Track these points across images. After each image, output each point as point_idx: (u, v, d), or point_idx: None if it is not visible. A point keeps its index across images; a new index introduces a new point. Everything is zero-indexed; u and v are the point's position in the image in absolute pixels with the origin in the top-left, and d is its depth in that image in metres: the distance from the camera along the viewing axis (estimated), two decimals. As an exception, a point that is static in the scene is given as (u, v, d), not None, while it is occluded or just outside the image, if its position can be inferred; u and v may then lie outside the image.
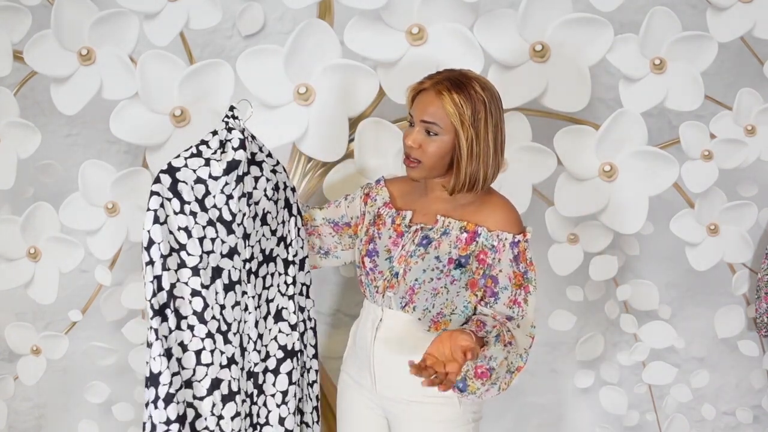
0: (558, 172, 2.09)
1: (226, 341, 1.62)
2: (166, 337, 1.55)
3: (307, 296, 1.81)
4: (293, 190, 1.77)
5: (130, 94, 1.97)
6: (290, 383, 1.76)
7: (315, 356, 1.84)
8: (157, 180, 1.54)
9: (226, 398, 1.62)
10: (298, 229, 1.77)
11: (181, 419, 1.56)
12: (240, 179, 1.59)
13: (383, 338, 1.70)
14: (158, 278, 1.53)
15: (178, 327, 1.58)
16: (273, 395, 1.73)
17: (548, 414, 2.64)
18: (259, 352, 1.68)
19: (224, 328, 1.62)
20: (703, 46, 2.02)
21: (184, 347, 1.59)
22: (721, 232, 2.20)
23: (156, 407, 1.54)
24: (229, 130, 1.60)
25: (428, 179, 1.67)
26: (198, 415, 1.62)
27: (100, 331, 2.33)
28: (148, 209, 1.53)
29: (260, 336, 1.69)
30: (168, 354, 1.55)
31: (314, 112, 2.00)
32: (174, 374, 1.55)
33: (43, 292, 2.10)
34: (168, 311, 1.54)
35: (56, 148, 2.35)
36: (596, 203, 2.07)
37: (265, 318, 1.72)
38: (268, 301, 1.72)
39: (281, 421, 1.74)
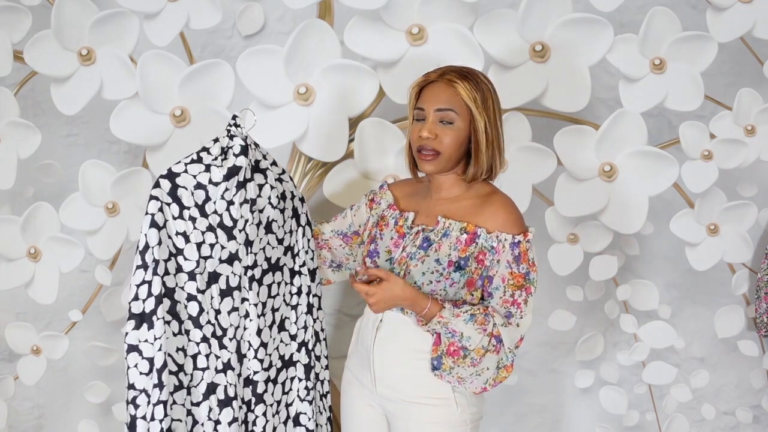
0: (558, 172, 2.09)
1: (221, 346, 1.62)
2: (151, 344, 1.52)
3: (319, 307, 1.81)
4: (302, 200, 1.76)
5: (130, 94, 1.97)
6: (283, 393, 1.76)
7: (327, 367, 1.84)
8: (157, 185, 1.54)
9: (223, 403, 1.61)
10: (308, 239, 1.77)
11: None
12: (241, 185, 1.59)
13: (383, 339, 1.70)
14: (148, 283, 1.52)
15: (180, 332, 1.58)
16: (271, 405, 1.73)
17: (548, 414, 2.64)
18: (261, 361, 1.67)
19: (219, 332, 1.61)
20: (703, 46, 2.02)
21: (184, 352, 1.59)
22: (721, 232, 2.20)
23: (144, 419, 1.53)
24: (231, 137, 1.60)
25: (441, 173, 1.67)
26: (195, 422, 1.61)
27: (100, 331, 2.33)
28: (146, 213, 1.52)
29: (264, 345, 1.68)
30: (151, 362, 1.53)
31: (314, 112, 2.00)
32: (156, 385, 1.52)
33: (43, 292, 2.10)
34: (154, 318, 1.52)
35: (56, 148, 2.35)
36: (596, 203, 2.07)
37: (270, 327, 1.71)
38: (273, 311, 1.72)
39: (274, 431, 1.74)
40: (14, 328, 2.18)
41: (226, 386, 1.62)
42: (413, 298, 1.59)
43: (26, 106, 2.30)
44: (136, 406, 1.52)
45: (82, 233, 2.06)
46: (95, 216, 2.04)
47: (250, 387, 1.68)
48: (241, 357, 1.65)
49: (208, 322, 1.60)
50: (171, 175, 1.55)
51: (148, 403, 1.53)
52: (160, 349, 1.52)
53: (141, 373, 1.52)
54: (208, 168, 1.57)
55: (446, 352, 1.60)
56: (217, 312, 1.61)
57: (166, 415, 1.52)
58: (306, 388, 1.77)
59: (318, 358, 1.80)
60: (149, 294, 1.52)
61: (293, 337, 1.76)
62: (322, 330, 1.81)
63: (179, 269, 1.57)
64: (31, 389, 2.45)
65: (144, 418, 1.52)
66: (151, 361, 1.52)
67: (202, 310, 1.59)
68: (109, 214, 2.04)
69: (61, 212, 2.05)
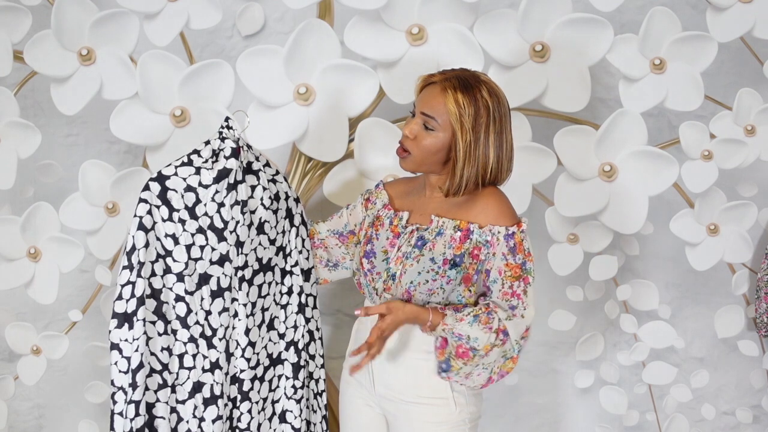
0: (558, 172, 2.09)
1: (210, 346, 1.63)
2: (130, 344, 1.55)
3: (315, 307, 1.81)
4: (296, 200, 1.77)
5: (130, 94, 1.97)
6: (270, 390, 1.76)
7: (323, 366, 1.84)
8: (146, 187, 1.55)
9: (208, 401, 1.63)
10: (302, 240, 1.77)
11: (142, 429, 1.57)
12: (232, 187, 1.59)
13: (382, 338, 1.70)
14: (132, 284, 1.54)
15: (165, 332, 1.59)
16: (257, 402, 1.73)
17: (548, 414, 2.64)
18: (248, 359, 1.68)
19: (209, 333, 1.62)
20: (703, 46, 2.02)
21: (169, 351, 1.60)
22: (721, 232, 2.20)
23: (121, 416, 1.56)
24: (222, 139, 1.61)
25: (417, 172, 1.68)
26: (180, 419, 1.63)
27: (100, 331, 2.33)
28: (135, 215, 1.54)
29: (252, 344, 1.69)
30: (128, 361, 1.55)
31: (314, 112, 2.00)
32: (131, 384, 1.55)
33: (43, 292, 2.10)
34: (134, 319, 1.54)
35: (56, 148, 2.35)
36: (596, 203, 2.07)
37: (260, 326, 1.72)
38: (263, 310, 1.72)
39: (258, 427, 1.74)
40: (14, 328, 2.18)
41: (212, 385, 1.64)
42: (415, 316, 1.60)
43: (26, 106, 2.30)
44: (115, 402, 1.57)
45: (82, 233, 2.06)
46: (95, 216, 2.04)
47: (237, 384, 1.69)
48: (228, 356, 1.66)
49: (197, 322, 1.61)
50: (161, 178, 1.57)
51: (125, 400, 1.56)
52: (137, 350, 1.55)
53: (120, 371, 1.56)
54: (198, 171, 1.58)
55: (455, 354, 1.60)
56: (208, 313, 1.62)
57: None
58: (293, 386, 1.78)
59: (312, 357, 1.80)
60: (132, 295, 1.55)
61: (282, 336, 1.77)
62: (318, 329, 1.81)
63: (167, 270, 1.59)
64: (31, 389, 2.45)
65: (121, 414, 1.57)
66: (128, 360, 1.56)
67: (190, 311, 1.60)
68: (109, 214, 2.04)
69: (61, 212, 2.05)
